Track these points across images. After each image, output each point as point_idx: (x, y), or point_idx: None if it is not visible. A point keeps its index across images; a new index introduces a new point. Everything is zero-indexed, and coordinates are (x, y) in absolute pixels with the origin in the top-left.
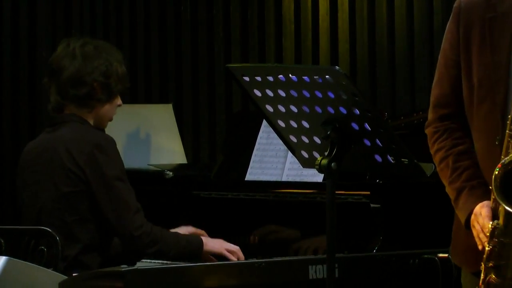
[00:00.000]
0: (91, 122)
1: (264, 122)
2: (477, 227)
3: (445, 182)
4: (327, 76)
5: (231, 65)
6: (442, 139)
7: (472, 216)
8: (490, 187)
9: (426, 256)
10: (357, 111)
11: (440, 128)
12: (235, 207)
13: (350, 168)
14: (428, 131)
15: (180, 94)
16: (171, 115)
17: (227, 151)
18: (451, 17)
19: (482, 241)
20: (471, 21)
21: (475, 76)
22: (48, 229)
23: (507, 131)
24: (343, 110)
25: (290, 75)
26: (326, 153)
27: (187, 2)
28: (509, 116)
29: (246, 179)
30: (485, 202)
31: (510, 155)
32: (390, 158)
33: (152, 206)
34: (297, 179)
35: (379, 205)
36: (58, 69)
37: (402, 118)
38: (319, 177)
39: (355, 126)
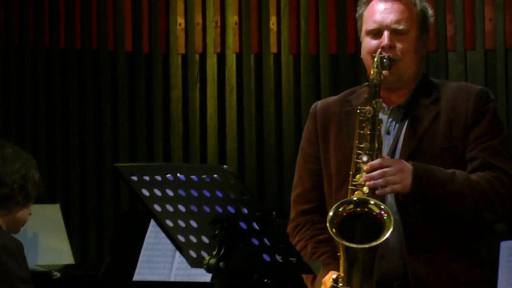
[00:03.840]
0: (4, 226)
1: (152, 222)
2: None
3: None
4: (215, 175)
5: (119, 164)
6: (303, 231)
7: (322, 287)
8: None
9: None
10: (245, 210)
11: (301, 221)
12: None
13: (239, 267)
14: (289, 228)
15: (68, 194)
16: (58, 215)
17: (115, 251)
18: (308, 118)
19: None
20: (328, 117)
21: (333, 166)
22: None
23: (349, 187)
24: (231, 209)
25: (178, 174)
26: (214, 253)
27: (75, 101)
28: (350, 173)
29: (134, 279)
30: (332, 271)
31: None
32: (278, 257)
33: None
34: (185, 279)
35: None
36: None
37: None
38: (207, 277)
39: (243, 225)
